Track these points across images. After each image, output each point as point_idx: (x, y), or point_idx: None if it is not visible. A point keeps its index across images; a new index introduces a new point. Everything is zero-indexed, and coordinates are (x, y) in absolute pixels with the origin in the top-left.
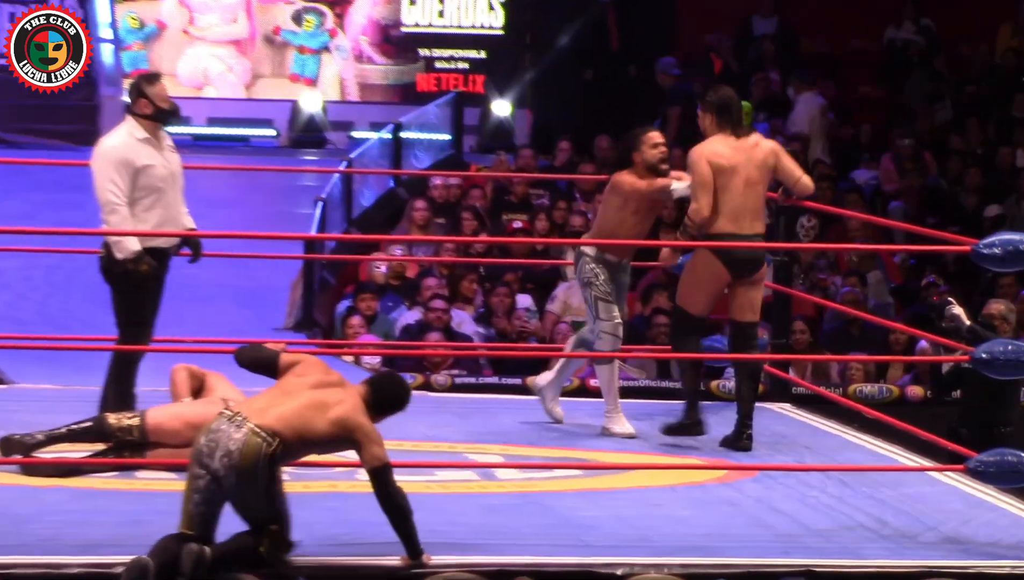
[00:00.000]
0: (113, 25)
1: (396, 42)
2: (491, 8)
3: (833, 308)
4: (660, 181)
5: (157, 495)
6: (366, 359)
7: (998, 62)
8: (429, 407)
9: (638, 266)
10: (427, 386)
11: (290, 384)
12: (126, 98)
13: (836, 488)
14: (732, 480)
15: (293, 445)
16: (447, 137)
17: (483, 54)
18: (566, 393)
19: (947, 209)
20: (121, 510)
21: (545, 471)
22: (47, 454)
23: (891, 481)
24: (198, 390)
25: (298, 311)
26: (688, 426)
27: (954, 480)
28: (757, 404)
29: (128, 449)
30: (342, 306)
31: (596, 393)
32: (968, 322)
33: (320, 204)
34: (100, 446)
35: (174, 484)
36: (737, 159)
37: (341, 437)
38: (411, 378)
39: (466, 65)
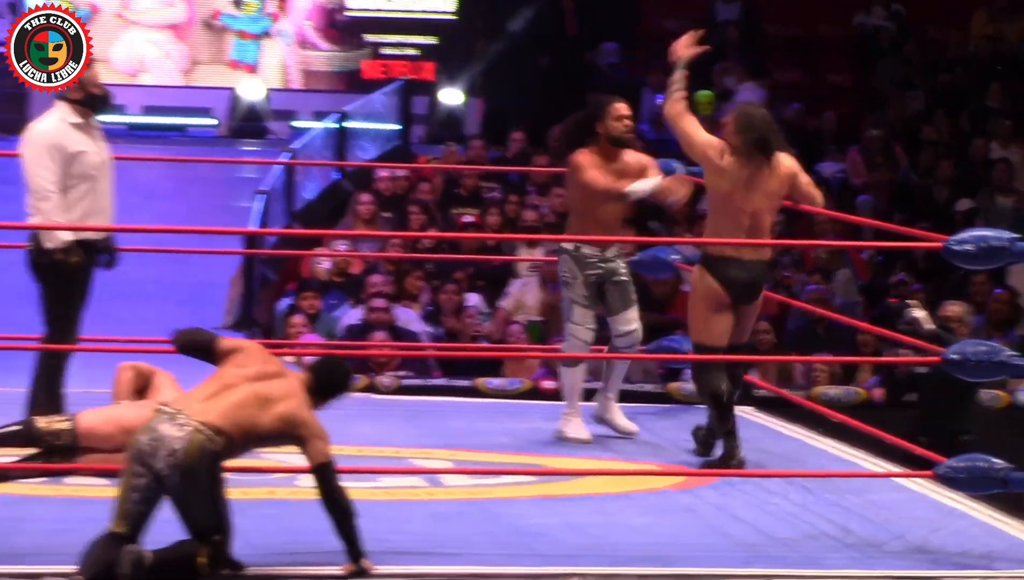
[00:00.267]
0: None
1: (341, 27)
2: None
3: (798, 307)
4: (616, 186)
5: (87, 502)
6: (308, 359)
7: (972, 50)
8: (374, 410)
9: None
10: (372, 388)
11: (230, 376)
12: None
13: (799, 495)
14: (690, 487)
15: (237, 442)
16: (394, 127)
17: (433, 40)
18: (517, 395)
19: (917, 204)
20: (49, 517)
21: (495, 477)
22: None
23: (856, 487)
24: (143, 390)
25: (237, 309)
26: (726, 458)
27: (922, 487)
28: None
29: (58, 454)
30: (283, 304)
31: (548, 396)
32: (929, 326)
33: (261, 197)
34: (29, 451)
35: (104, 490)
36: (740, 180)
37: (286, 432)
38: (355, 379)
39: (415, 51)
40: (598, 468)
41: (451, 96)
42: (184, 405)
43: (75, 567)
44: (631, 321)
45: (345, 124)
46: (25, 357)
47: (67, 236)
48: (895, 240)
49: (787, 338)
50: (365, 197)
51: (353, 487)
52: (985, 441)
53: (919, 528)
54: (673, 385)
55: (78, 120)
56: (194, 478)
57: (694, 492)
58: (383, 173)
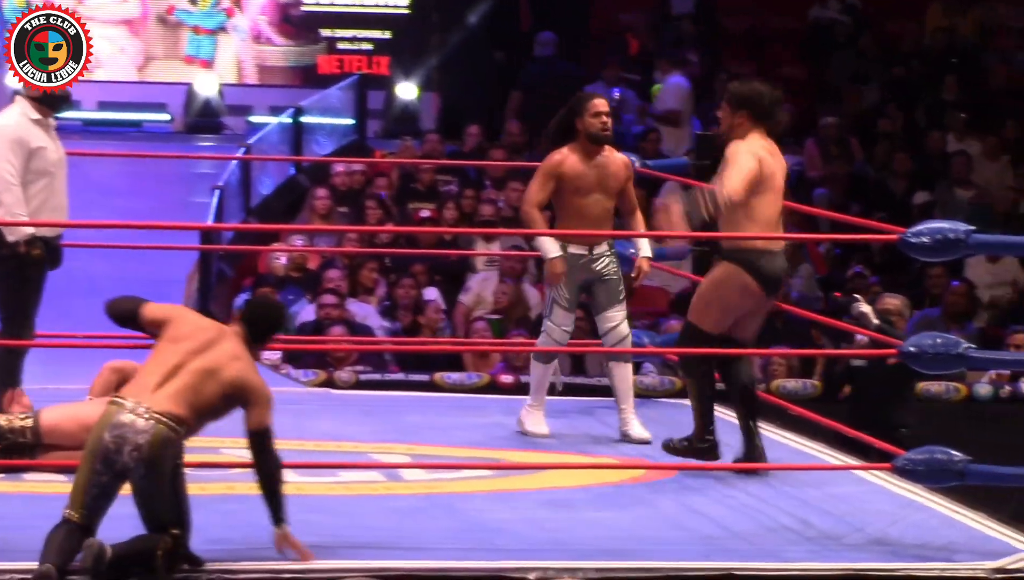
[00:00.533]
0: None
1: (296, 22)
2: None
3: None
4: (527, 211)
5: (48, 498)
6: (265, 355)
7: (927, 43)
8: (332, 405)
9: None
10: (330, 383)
11: (172, 355)
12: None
13: (758, 488)
14: (649, 480)
15: (195, 425)
16: (350, 122)
17: (388, 34)
18: (475, 389)
19: (874, 196)
20: (11, 514)
21: (453, 471)
22: None
23: (815, 480)
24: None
25: (194, 304)
26: (703, 449)
27: (881, 479)
28: (676, 401)
29: (19, 451)
30: (240, 299)
31: (505, 389)
32: (876, 321)
33: (217, 192)
34: None
35: (65, 487)
36: (776, 168)
37: (234, 397)
38: (313, 375)
39: (370, 46)
40: (557, 462)
41: (406, 91)
42: (140, 396)
43: (36, 562)
44: (612, 318)
45: (301, 119)
46: None
47: (29, 229)
48: (852, 232)
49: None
50: (321, 192)
51: (312, 482)
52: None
53: (878, 521)
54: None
55: (37, 116)
56: (158, 471)
57: (653, 486)
58: (339, 168)
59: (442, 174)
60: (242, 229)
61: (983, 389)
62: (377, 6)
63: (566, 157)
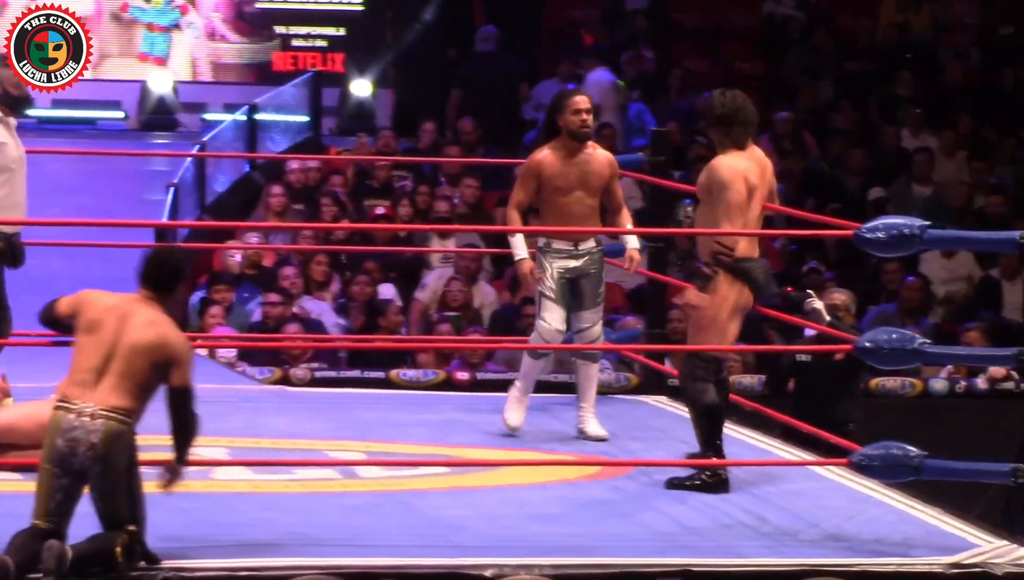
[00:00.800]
0: None
1: (250, 19)
2: None
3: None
4: (514, 215)
5: (6, 497)
6: (221, 352)
7: (880, 38)
8: (288, 402)
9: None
10: (286, 380)
11: (94, 346)
12: None
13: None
14: (606, 477)
15: (141, 408)
16: (304, 119)
17: (342, 31)
18: (431, 386)
19: (828, 192)
20: None
21: (410, 468)
22: None
23: (771, 476)
24: None
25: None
26: (711, 483)
27: (837, 475)
28: (632, 397)
29: None
30: (195, 297)
31: (462, 386)
32: (828, 318)
33: (171, 190)
34: None
35: (22, 485)
36: (756, 178)
37: (160, 362)
38: (268, 372)
39: (324, 43)
40: (514, 459)
41: (361, 88)
42: (83, 396)
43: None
44: (588, 320)
45: (255, 116)
46: None
47: None
48: (807, 228)
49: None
50: (276, 189)
51: (268, 480)
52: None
53: (834, 516)
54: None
55: None
56: (114, 467)
57: (610, 483)
58: (294, 165)
59: (397, 170)
60: (197, 226)
61: (938, 384)
62: (331, 3)
63: (546, 156)
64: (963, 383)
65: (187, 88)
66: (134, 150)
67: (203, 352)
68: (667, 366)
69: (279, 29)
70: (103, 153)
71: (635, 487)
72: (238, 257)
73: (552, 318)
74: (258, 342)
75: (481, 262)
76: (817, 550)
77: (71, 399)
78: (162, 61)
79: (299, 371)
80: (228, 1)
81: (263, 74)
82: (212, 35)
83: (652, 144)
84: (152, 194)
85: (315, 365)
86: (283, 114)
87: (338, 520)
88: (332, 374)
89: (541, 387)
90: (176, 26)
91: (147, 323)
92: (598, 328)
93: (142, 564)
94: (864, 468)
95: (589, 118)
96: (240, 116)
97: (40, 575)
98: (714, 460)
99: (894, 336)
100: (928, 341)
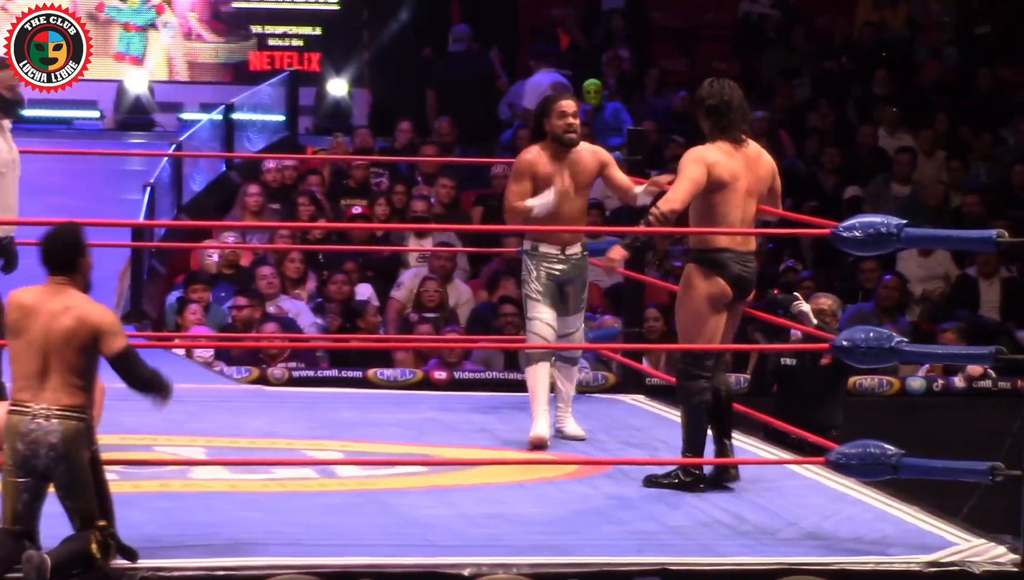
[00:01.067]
0: None
1: (226, 18)
2: None
3: None
4: (518, 206)
5: None
6: (198, 352)
7: (857, 37)
8: (265, 402)
9: (484, 252)
10: (263, 380)
11: (25, 349)
12: None
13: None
14: (584, 476)
15: (91, 399)
16: (281, 118)
17: (318, 31)
18: (409, 385)
19: (804, 191)
20: None
21: (387, 468)
22: None
23: (749, 475)
24: None
25: (126, 302)
26: (688, 482)
27: (815, 474)
28: (609, 396)
29: None
30: (172, 296)
31: (440, 386)
32: (815, 320)
33: (148, 189)
34: None
35: None
36: (738, 170)
37: (88, 343)
38: (246, 372)
39: (300, 43)
40: (491, 458)
41: (337, 87)
42: (33, 397)
43: None
44: (573, 325)
45: (232, 116)
46: None
47: None
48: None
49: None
50: (253, 189)
51: (245, 479)
52: (876, 428)
53: (812, 515)
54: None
55: None
56: (77, 464)
57: (587, 481)
58: (270, 164)
59: (373, 168)
60: (173, 226)
61: (916, 383)
62: (307, 3)
63: (537, 155)
64: (940, 382)
65: (163, 88)
66: (110, 150)
67: (180, 351)
68: (645, 365)
69: (255, 29)
70: (79, 153)
71: (613, 486)
72: (215, 257)
73: (544, 316)
74: (236, 342)
75: (456, 261)
76: (795, 549)
77: (24, 403)
78: (138, 61)
79: (277, 370)
80: (204, 1)
81: (239, 74)
82: (188, 35)
83: (628, 143)
84: (128, 194)
85: (293, 364)
86: (259, 113)
87: (316, 519)
88: (310, 374)
89: (519, 386)
90: (152, 26)
91: (62, 311)
92: (581, 333)
93: (119, 558)
94: (842, 467)
95: (576, 122)
96: (216, 116)
97: (14, 575)
98: (691, 459)
99: (871, 335)
100: (905, 340)
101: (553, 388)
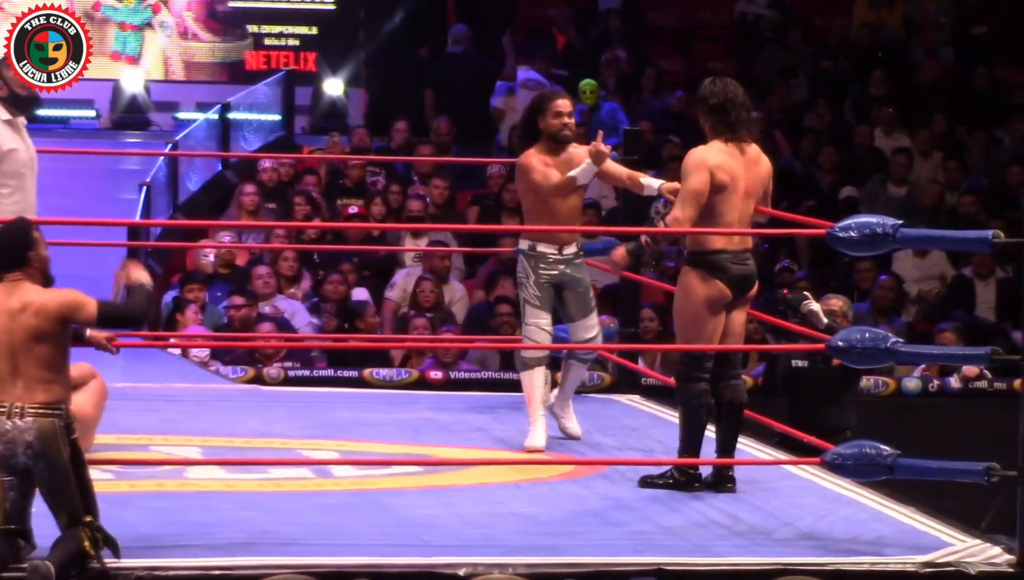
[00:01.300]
0: None
1: (222, 18)
2: None
3: None
4: (566, 180)
5: None
6: (194, 352)
7: (853, 37)
8: (261, 401)
9: (480, 252)
10: (259, 379)
11: None
12: None
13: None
14: (579, 476)
15: (66, 391)
16: (277, 118)
17: (314, 30)
18: (405, 385)
19: (801, 191)
20: None
21: (383, 467)
22: None
23: (745, 475)
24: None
25: (122, 301)
26: (682, 482)
27: (810, 474)
28: (605, 396)
29: None
30: (168, 296)
31: (435, 385)
32: (826, 320)
33: (144, 189)
34: None
35: None
36: (737, 171)
37: (57, 329)
38: (242, 371)
39: (296, 42)
40: (487, 458)
41: (333, 86)
42: (6, 396)
43: None
44: (592, 328)
45: (228, 115)
46: None
47: None
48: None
49: (674, 326)
50: (249, 188)
51: (241, 479)
52: (871, 428)
53: (807, 515)
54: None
55: (7, 117)
56: (56, 462)
57: (583, 482)
58: (266, 164)
59: (369, 167)
60: (169, 225)
61: (911, 383)
62: (304, 2)
63: (535, 160)
64: (936, 382)
65: (159, 87)
66: (106, 149)
67: (176, 351)
68: (640, 365)
69: (251, 28)
70: (75, 152)
71: (608, 486)
72: (211, 256)
73: (537, 320)
74: (232, 342)
75: (451, 260)
76: (790, 549)
77: (1, 402)
78: (134, 60)
79: (272, 370)
80: (200, 0)
81: (235, 73)
82: (184, 34)
83: (625, 143)
84: (124, 193)
85: (288, 364)
86: (255, 113)
87: (312, 519)
88: (305, 373)
89: (515, 386)
90: (148, 25)
91: (20, 310)
92: (600, 334)
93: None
94: (837, 467)
95: (571, 121)
96: (212, 115)
97: (11, 575)
98: (687, 459)
99: (867, 335)
100: (901, 340)
101: (556, 382)
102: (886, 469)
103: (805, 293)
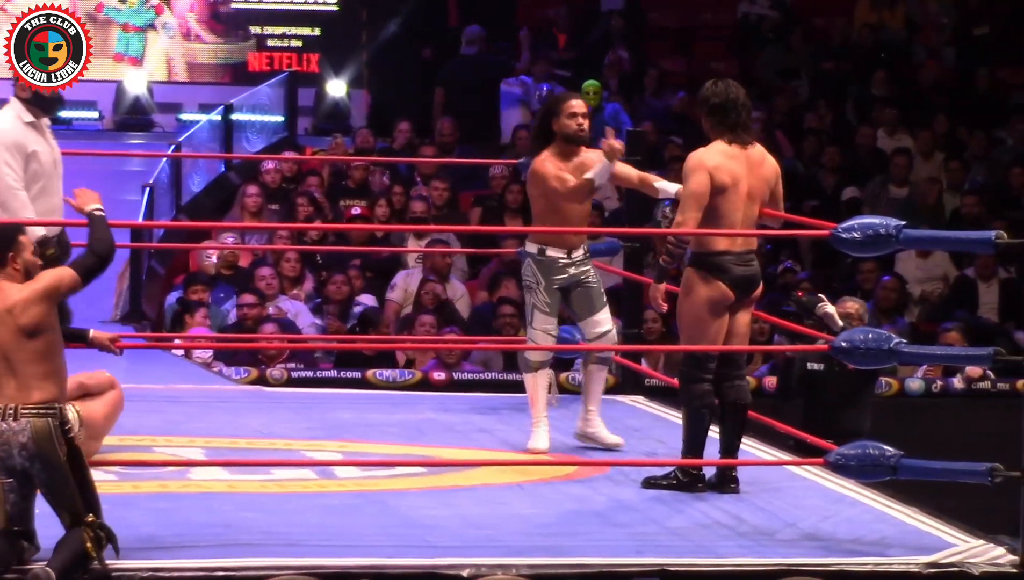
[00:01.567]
0: None
1: (225, 19)
2: None
3: None
4: (583, 182)
5: None
6: (197, 353)
7: (855, 38)
8: (264, 402)
9: (483, 253)
10: (262, 381)
11: None
12: None
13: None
14: (582, 477)
15: (61, 387)
16: (280, 119)
17: (317, 31)
18: (408, 386)
19: (803, 191)
20: None
21: (386, 468)
22: None
23: (748, 476)
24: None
25: (125, 303)
26: (686, 483)
27: (814, 475)
28: (607, 396)
29: None
30: (171, 297)
31: (439, 386)
32: (841, 323)
33: (147, 190)
34: None
35: None
36: (739, 172)
37: (42, 319)
38: (245, 372)
39: (299, 43)
40: (490, 459)
41: (336, 88)
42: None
43: None
44: (603, 322)
45: (231, 116)
46: None
47: (40, 231)
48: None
49: (676, 328)
50: (252, 189)
51: (244, 480)
52: (875, 429)
53: (811, 516)
54: (563, 375)
55: (31, 118)
56: (53, 462)
57: (586, 482)
58: (269, 165)
59: (372, 167)
60: (172, 226)
61: (914, 384)
62: (306, 3)
63: (549, 164)
64: (939, 383)
65: (162, 88)
66: (109, 150)
67: (179, 352)
68: (644, 366)
69: (254, 29)
70: (78, 153)
71: (612, 487)
72: (214, 257)
73: (543, 324)
74: (236, 343)
75: (452, 260)
76: (794, 550)
77: None
78: (137, 61)
79: (275, 371)
80: (203, 1)
81: (238, 74)
82: (187, 35)
83: (627, 144)
84: (127, 194)
85: (291, 365)
86: (258, 114)
87: (315, 520)
88: (309, 374)
89: (518, 387)
90: (151, 26)
91: (7, 310)
92: (612, 326)
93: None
94: (840, 468)
95: (585, 122)
96: (215, 116)
97: (11, 575)
98: (690, 460)
99: (870, 336)
100: (904, 341)
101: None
102: (889, 470)
103: (820, 295)
